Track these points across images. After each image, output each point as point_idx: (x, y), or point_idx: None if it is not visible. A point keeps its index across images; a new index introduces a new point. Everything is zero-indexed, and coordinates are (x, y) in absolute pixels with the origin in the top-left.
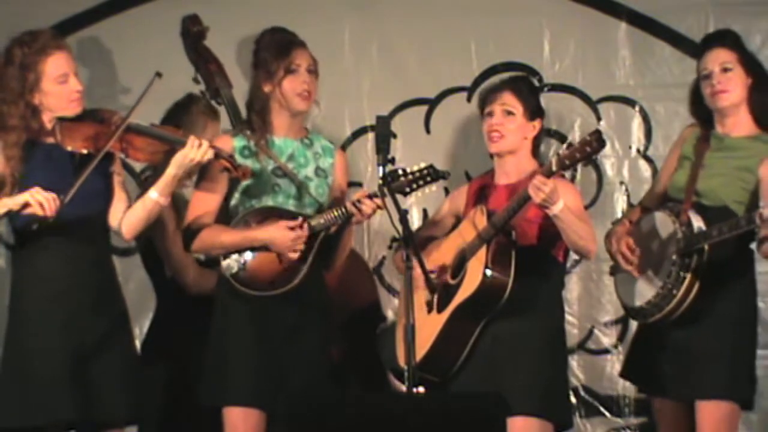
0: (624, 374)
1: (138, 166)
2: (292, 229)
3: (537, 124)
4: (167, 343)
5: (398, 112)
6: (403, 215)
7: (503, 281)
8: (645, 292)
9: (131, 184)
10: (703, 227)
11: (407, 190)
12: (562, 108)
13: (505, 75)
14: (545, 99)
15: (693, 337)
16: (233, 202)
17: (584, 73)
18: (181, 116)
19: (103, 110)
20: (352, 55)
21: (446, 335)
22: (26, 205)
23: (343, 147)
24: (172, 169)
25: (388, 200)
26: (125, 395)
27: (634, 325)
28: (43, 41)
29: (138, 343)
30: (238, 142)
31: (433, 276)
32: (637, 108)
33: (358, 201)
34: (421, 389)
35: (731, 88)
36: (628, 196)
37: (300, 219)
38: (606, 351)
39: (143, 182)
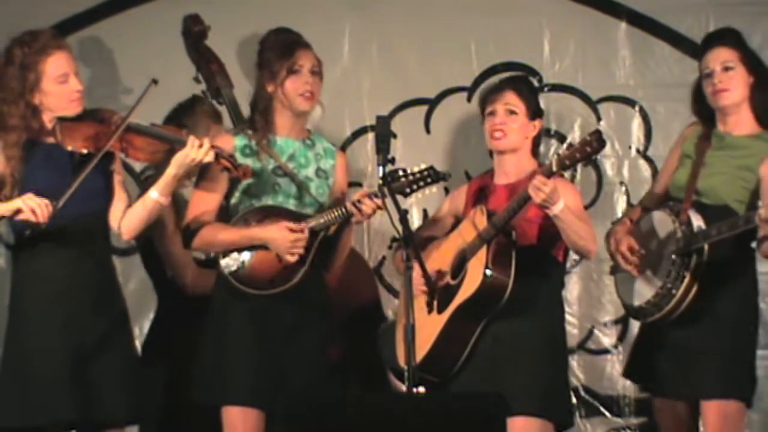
0: (626, 374)
1: (138, 166)
2: (292, 231)
3: (537, 124)
4: (167, 343)
5: (398, 112)
6: (403, 215)
7: (503, 281)
8: (645, 291)
9: (131, 184)
10: (703, 226)
11: (407, 191)
12: (562, 108)
13: (505, 75)
14: (545, 99)
15: (694, 336)
16: (233, 200)
17: (584, 73)
18: (184, 117)
19: (103, 110)
20: (352, 55)
21: (447, 336)
22: (18, 210)
23: (343, 147)
24: (173, 169)
25: (388, 200)
26: (125, 395)
27: (634, 325)
28: (43, 41)
29: (138, 343)
30: (239, 141)
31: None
32: (637, 108)
33: (358, 201)
34: (422, 389)
35: (732, 87)
36: (628, 196)
37: (302, 223)
38: (606, 351)
39: (143, 182)
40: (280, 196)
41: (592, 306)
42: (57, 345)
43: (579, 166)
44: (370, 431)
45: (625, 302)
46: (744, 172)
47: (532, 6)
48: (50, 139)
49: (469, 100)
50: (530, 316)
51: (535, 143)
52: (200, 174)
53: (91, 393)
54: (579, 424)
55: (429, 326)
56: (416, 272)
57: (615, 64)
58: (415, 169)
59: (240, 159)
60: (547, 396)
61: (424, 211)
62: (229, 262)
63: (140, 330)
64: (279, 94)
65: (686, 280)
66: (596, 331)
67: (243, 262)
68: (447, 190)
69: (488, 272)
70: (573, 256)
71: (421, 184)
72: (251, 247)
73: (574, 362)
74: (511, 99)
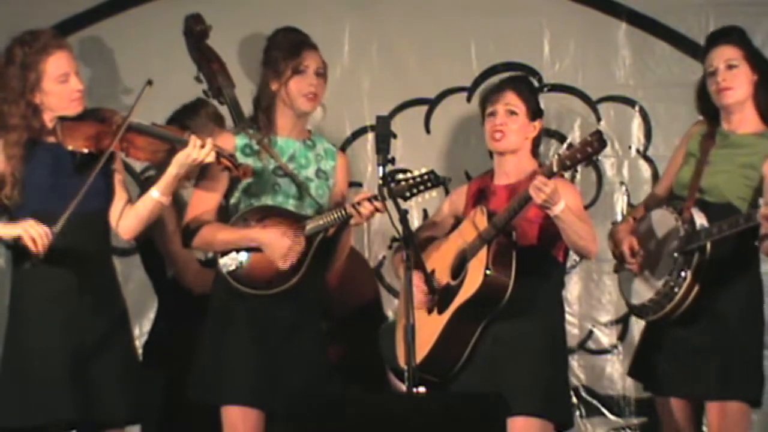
0: (631, 373)
1: (138, 166)
2: (289, 238)
3: (537, 124)
4: (168, 343)
5: (398, 112)
6: (403, 215)
7: (504, 282)
8: (647, 289)
9: (131, 184)
10: (706, 224)
11: (407, 195)
12: (562, 108)
13: (505, 75)
14: (545, 99)
15: (698, 335)
16: (233, 200)
17: (584, 73)
18: (187, 119)
19: (104, 109)
20: (352, 55)
21: (447, 336)
22: (18, 237)
23: (343, 147)
24: (174, 169)
25: (388, 201)
26: (125, 395)
27: (634, 325)
28: (44, 41)
29: (138, 343)
30: (239, 141)
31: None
32: (637, 108)
33: (358, 203)
34: (422, 389)
35: (736, 85)
36: (628, 197)
37: (300, 234)
38: (606, 351)
39: (144, 182)
40: (280, 197)
41: (592, 306)
42: (57, 345)
43: (579, 167)
44: (370, 431)
45: (628, 301)
46: (747, 170)
47: (532, 6)
48: (51, 139)
49: (469, 100)
50: (530, 317)
51: (535, 144)
52: (200, 173)
53: (91, 393)
54: (579, 424)
55: (429, 326)
56: (416, 272)
57: (615, 64)
58: (416, 173)
59: (240, 158)
60: (547, 396)
61: (424, 212)
62: (228, 262)
63: (140, 330)
64: (282, 94)
65: (688, 278)
66: (596, 331)
67: (242, 262)
68: (447, 191)
69: (489, 273)
70: (573, 256)
71: (422, 188)
72: (250, 248)
73: (574, 362)
74: (511, 99)
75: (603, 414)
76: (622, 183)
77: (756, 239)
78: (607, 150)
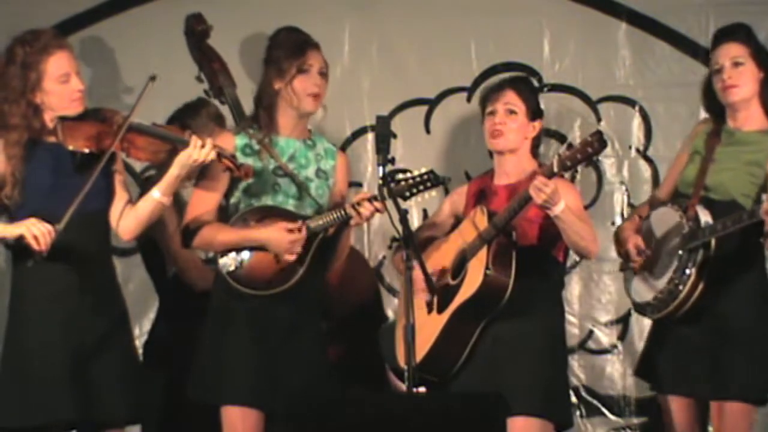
0: (638, 373)
1: (138, 166)
2: (290, 231)
3: (537, 124)
4: (168, 343)
5: (398, 112)
6: (403, 215)
7: (504, 282)
8: (652, 287)
9: (132, 184)
10: (711, 222)
11: (407, 194)
12: (562, 108)
13: (506, 75)
14: (545, 99)
15: (703, 335)
16: (233, 200)
17: (584, 73)
18: (188, 118)
19: (104, 109)
20: (352, 55)
21: (447, 336)
22: (20, 236)
23: (343, 147)
24: (175, 170)
25: (388, 201)
26: (125, 395)
27: (634, 325)
28: (45, 40)
29: (139, 343)
30: (239, 140)
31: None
32: (637, 108)
33: (357, 204)
34: (422, 389)
35: (742, 83)
36: (628, 196)
37: (299, 222)
38: (606, 351)
39: (144, 182)
40: (280, 196)
41: (592, 306)
42: (57, 345)
43: (579, 167)
44: (369, 431)
45: (633, 299)
46: (753, 168)
47: (532, 6)
48: (51, 139)
49: (469, 100)
50: (530, 317)
51: (535, 144)
52: (200, 173)
53: (91, 393)
54: (579, 424)
55: (429, 326)
56: (416, 272)
57: (615, 64)
58: (415, 173)
59: (240, 158)
60: (547, 396)
61: (424, 212)
62: (228, 262)
63: (140, 330)
64: (285, 93)
65: (692, 276)
66: (596, 331)
67: (241, 262)
68: (447, 191)
69: (489, 273)
70: (573, 255)
71: (421, 188)
72: (250, 248)
73: (574, 362)
74: (511, 99)
75: (603, 414)
76: (622, 183)
77: (761, 237)
78: (607, 150)
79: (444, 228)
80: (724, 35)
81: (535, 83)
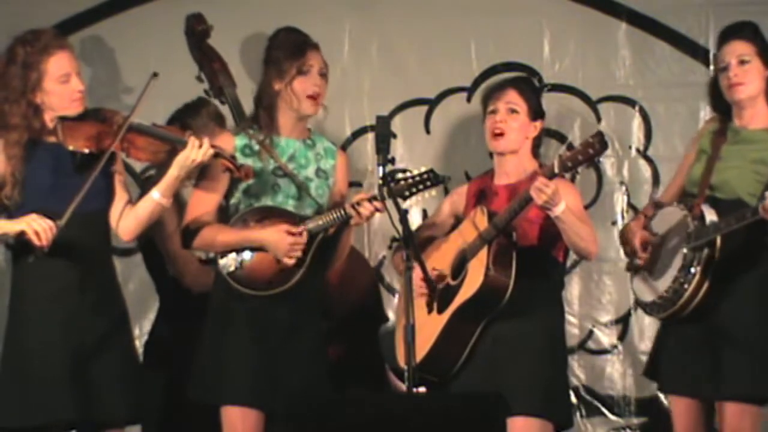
0: (646, 373)
1: (138, 166)
2: (291, 234)
3: (538, 124)
4: (169, 343)
5: (398, 112)
6: (403, 215)
7: (504, 282)
8: (658, 286)
9: (131, 184)
10: (716, 220)
11: (406, 194)
12: (562, 108)
13: (506, 75)
14: (545, 99)
15: (709, 334)
16: (233, 200)
17: (584, 73)
18: (189, 118)
19: (105, 110)
20: (352, 55)
21: (447, 336)
22: (21, 232)
23: (343, 147)
24: (175, 170)
25: (388, 201)
26: (125, 395)
27: (634, 325)
28: (45, 40)
29: (139, 343)
30: (239, 141)
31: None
32: (637, 108)
33: (357, 203)
34: (422, 389)
35: (748, 81)
36: (628, 196)
37: (300, 226)
38: (606, 351)
39: (144, 182)
40: (280, 197)
41: (592, 306)
42: (57, 345)
43: (580, 167)
44: (369, 431)
45: (638, 298)
46: (759, 166)
47: (532, 6)
48: (51, 139)
49: (469, 100)
50: (530, 317)
51: (536, 144)
52: (200, 173)
53: (91, 393)
54: (579, 424)
55: (429, 326)
56: (416, 272)
57: (615, 64)
58: (415, 172)
59: (240, 159)
60: (546, 396)
61: (424, 212)
62: (228, 263)
63: (140, 330)
64: (285, 93)
65: (697, 274)
66: (596, 331)
67: (241, 263)
68: (447, 191)
69: (489, 273)
70: (573, 256)
71: (421, 187)
72: (250, 248)
73: (574, 362)
74: (512, 98)
75: (603, 414)
76: (622, 183)
77: (766, 235)
78: (607, 150)
79: (444, 228)
80: (731, 33)
81: (535, 83)
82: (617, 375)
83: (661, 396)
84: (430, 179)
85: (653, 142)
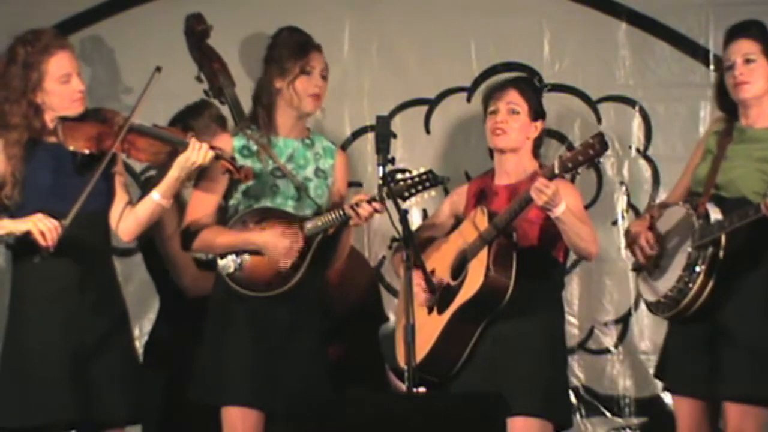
0: (656, 375)
1: (138, 166)
2: (287, 237)
3: (539, 125)
4: (169, 343)
5: (398, 112)
6: (403, 215)
7: (504, 283)
8: (663, 286)
9: (131, 185)
10: (721, 219)
11: (406, 194)
12: (562, 108)
13: (506, 75)
14: (545, 99)
15: (713, 333)
16: (232, 201)
17: (584, 73)
18: (191, 119)
19: (105, 110)
20: (352, 55)
21: (447, 336)
22: (27, 232)
23: (343, 147)
24: (176, 172)
25: (388, 201)
26: (125, 395)
27: (634, 325)
28: (46, 40)
29: (139, 343)
30: (237, 142)
31: (422, 284)
32: (637, 108)
33: (356, 204)
34: (422, 389)
35: (754, 80)
36: (628, 196)
37: (297, 230)
38: (606, 351)
39: (144, 182)
40: (279, 198)
41: (592, 306)
42: (57, 345)
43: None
44: (369, 431)
45: (644, 298)
46: (764, 165)
47: (532, 6)
48: (52, 139)
49: (469, 100)
50: (530, 317)
51: (537, 144)
52: (200, 174)
53: (91, 393)
54: (579, 424)
55: (429, 326)
56: (416, 273)
57: (615, 64)
58: (414, 173)
59: (238, 160)
60: (546, 396)
61: (424, 212)
62: (227, 264)
63: (140, 330)
64: (286, 92)
65: (702, 274)
66: (596, 331)
67: (241, 264)
68: (447, 191)
69: (489, 274)
70: (573, 256)
71: (420, 188)
72: (249, 250)
73: (574, 362)
74: (513, 98)
75: (603, 414)
76: (622, 183)
77: None
78: (608, 151)
79: (444, 228)
80: (737, 32)
81: (536, 83)
82: (617, 375)
83: (663, 396)
84: (429, 180)
85: (653, 142)
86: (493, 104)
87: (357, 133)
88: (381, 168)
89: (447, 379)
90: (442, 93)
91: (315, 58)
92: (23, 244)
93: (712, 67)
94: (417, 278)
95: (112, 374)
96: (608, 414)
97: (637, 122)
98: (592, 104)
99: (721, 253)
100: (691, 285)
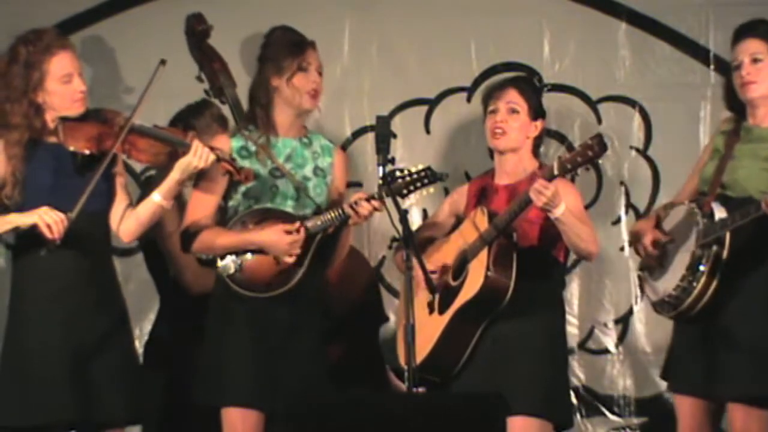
0: (663, 376)
1: (138, 166)
2: (289, 233)
3: (539, 124)
4: (169, 343)
5: (398, 112)
6: (403, 215)
7: (505, 284)
8: (667, 285)
9: (131, 184)
10: (725, 217)
11: (405, 192)
12: (562, 108)
13: (506, 75)
14: (545, 99)
15: (717, 333)
16: (232, 202)
17: (584, 73)
18: (192, 118)
19: (106, 110)
20: (352, 55)
21: (448, 337)
22: (33, 225)
23: (343, 147)
24: (177, 174)
25: (388, 200)
26: (125, 396)
27: (634, 325)
28: (48, 40)
29: (139, 343)
30: (235, 143)
31: (434, 276)
32: (637, 108)
33: (356, 203)
34: (422, 389)
35: (761, 79)
36: (628, 196)
37: (297, 223)
38: (606, 351)
39: (144, 182)
40: (278, 198)
41: (592, 306)
42: (57, 345)
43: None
44: (369, 431)
45: (649, 297)
46: None
47: (532, 6)
48: (52, 139)
49: (469, 100)
50: (531, 317)
51: (537, 143)
52: (199, 175)
53: (91, 393)
54: (579, 424)
55: (430, 327)
56: (417, 272)
57: (615, 64)
58: (413, 170)
59: (237, 161)
60: (546, 396)
61: (424, 211)
62: (227, 264)
63: (140, 330)
64: (283, 89)
65: (706, 273)
66: (596, 331)
67: (241, 265)
68: (447, 191)
69: (490, 275)
70: (573, 255)
71: (419, 185)
72: (249, 250)
73: (574, 362)
74: (513, 97)
75: (603, 414)
76: (622, 183)
77: None
78: (607, 152)
79: (444, 228)
80: (744, 31)
81: (536, 83)
82: (617, 375)
83: (666, 396)
84: (428, 176)
85: (653, 142)
86: (493, 103)
87: (357, 133)
88: (381, 168)
89: (448, 380)
90: (442, 93)
91: (310, 54)
92: (24, 242)
93: (712, 67)
94: (417, 279)
95: (112, 374)
96: (608, 414)
97: (637, 122)
98: (592, 104)
99: (725, 253)
100: (695, 284)
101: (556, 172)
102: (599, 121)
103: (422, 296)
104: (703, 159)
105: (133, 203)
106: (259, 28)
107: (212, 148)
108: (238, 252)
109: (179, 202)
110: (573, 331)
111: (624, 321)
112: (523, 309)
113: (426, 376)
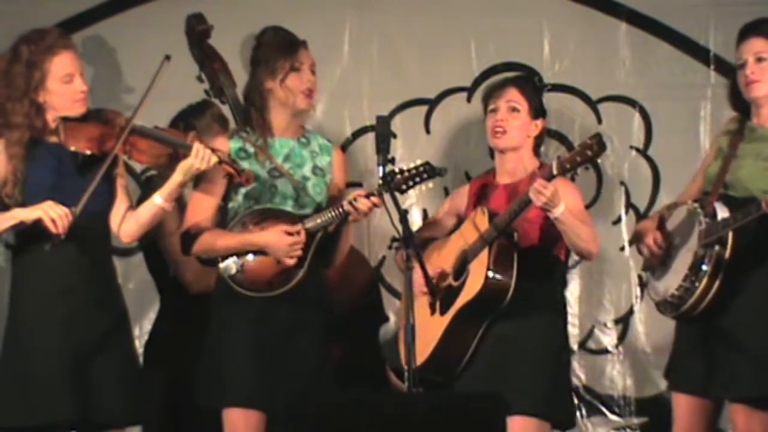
0: (667, 374)
1: (138, 166)
2: (289, 234)
3: (540, 123)
4: (169, 343)
5: (398, 112)
6: (403, 215)
7: (505, 284)
8: (670, 285)
9: (131, 184)
10: (726, 216)
11: (404, 187)
12: (562, 108)
13: (507, 75)
14: (545, 99)
15: (720, 333)
16: (232, 203)
17: (584, 73)
18: (193, 119)
19: (107, 110)
20: (352, 55)
21: (449, 337)
22: (38, 219)
23: (344, 147)
24: (178, 176)
25: (389, 200)
26: (125, 396)
27: (634, 325)
28: (50, 40)
29: (139, 343)
30: (234, 144)
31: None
32: (637, 108)
33: (354, 200)
34: (421, 389)
35: (765, 78)
36: (628, 196)
37: (298, 225)
38: (606, 351)
39: (144, 182)
40: (278, 198)
41: (592, 306)
42: (57, 345)
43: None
44: (369, 431)
45: (652, 297)
46: None
47: (532, 6)
48: (53, 139)
49: (469, 100)
50: (532, 317)
51: (537, 143)
52: (199, 176)
53: (91, 393)
54: (580, 424)
55: (431, 327)
56: (417, 273)
57: (615, 64)
58: (411, 165)
59: (237, 162)
60: (546, 396)
61: (425, 211)
62: (228, 265)
63: (140, 330)
64: (278, 91)
65: (708, 273)
66: (596, 331)
67: (242, 265)
68: (447, 191)
69: (490, 275)
70: (574, 255)
71: (418, 180)
72: (250, 251)
73: (574, 362)
74: (513, 96)
75: (603, 414)
76: (622, 183)
77: None
78: (607, 150)
79: (445, 228)
80: (749, 30)
81: (536, 82)
82: (617, 375)
83: (666, 396)
84: (427, 171)
85: (653, 142)
86: (493, 102)
87: (357, 133)
88: (381, 168)
89: (450, 380)
90: (442, 93)
91: (303, 54)
92: (25, 241)
93: (712, 67)
94: (417, 279)
95: (112, 374)
96: (608, 414)
97: (637, 122)
98: (592, 104)
99: (727, 253)
100: (697, 284)
101: (555, 171)
102: (599, 120)
103: (423, 297)
104: (708, 159)
105: (134, 203)
106: (259, 29)
107: (213, 150)
108: (239, 253)
109: (179, 202)
110: (573, 331)
111: (624, 321)
112: (524, 309)
113: (428, 377)
